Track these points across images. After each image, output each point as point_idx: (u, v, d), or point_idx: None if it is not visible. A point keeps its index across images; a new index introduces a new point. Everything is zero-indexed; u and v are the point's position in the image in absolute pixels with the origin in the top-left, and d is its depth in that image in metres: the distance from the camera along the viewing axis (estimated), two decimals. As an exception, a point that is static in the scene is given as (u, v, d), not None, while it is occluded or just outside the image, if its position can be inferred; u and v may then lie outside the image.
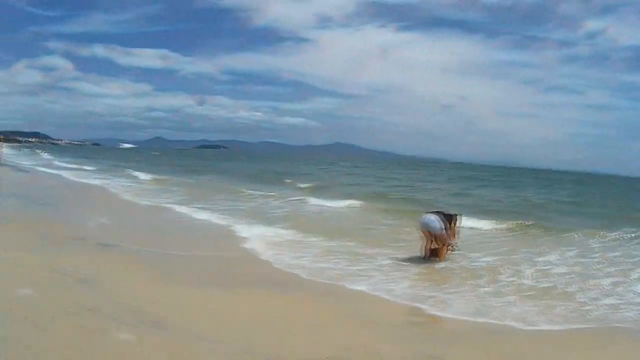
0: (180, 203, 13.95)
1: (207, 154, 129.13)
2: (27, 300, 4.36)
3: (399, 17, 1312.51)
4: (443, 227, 7.52)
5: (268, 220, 11.39)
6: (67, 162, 37.28)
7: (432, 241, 7.68)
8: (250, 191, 18.52)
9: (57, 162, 37.31)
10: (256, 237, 8.96)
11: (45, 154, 60.29)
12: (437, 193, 23.30)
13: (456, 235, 8.16)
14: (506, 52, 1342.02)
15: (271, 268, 6.88)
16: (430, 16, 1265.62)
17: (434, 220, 7.55)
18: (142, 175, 25.06)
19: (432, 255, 7.71)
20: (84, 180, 20.98)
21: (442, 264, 7.55)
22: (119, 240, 8.04)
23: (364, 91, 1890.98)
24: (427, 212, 7.98)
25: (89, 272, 5.69)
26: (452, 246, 7.95)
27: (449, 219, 7.81)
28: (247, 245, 8.30)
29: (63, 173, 24.86)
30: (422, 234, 7.78)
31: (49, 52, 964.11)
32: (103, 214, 11.00)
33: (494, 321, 4.98)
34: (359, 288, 5.99)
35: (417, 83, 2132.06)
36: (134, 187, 19.11)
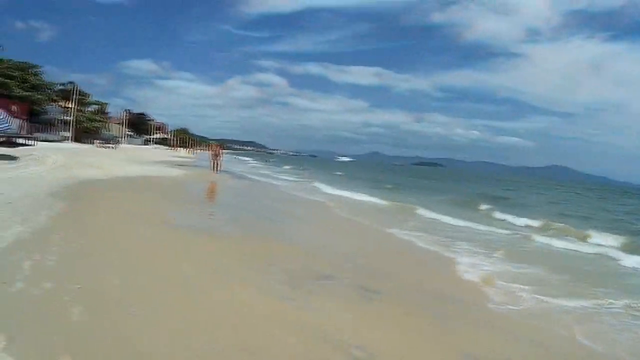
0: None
1: (426, 172, 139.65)
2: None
3: (604, 26, 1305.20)
4: None
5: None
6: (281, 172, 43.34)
7: None
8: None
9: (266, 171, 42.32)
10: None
11: (253, 160, 67.20)
12: None
13: None
14: None
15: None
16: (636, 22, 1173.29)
17: None
18: (365, 197, 22.72)
19: None
20: (310, 197, 20.93)
21: None
22: (377, 280, 7.13)
23: (578, 109, 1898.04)
24: None
25: (358, 337, 4.47)
26: None
27: None
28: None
29: (277, 182, 28.63)
30: None
31: (262, 70, 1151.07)
32: (341, 240, 11.14)
33: None
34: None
35: (634, 99, 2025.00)
36: (361, 208, 18.47)
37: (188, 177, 23.62)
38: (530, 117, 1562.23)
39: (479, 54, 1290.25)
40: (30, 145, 34.15)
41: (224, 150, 31.53)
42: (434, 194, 30.74)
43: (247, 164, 66.63)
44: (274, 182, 28.51)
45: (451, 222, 15.58)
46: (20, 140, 34.14)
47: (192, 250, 7.98)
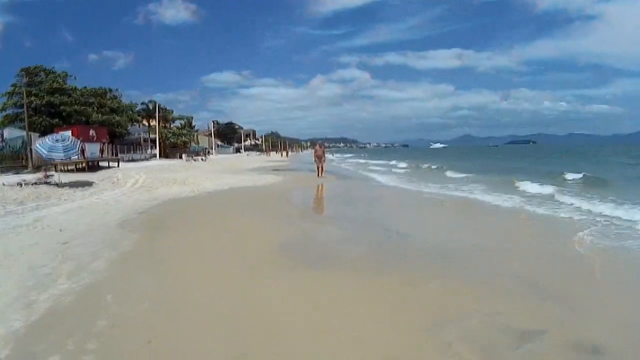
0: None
1: (519, 150, 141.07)
2: None
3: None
4: None
5: None
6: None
7: None
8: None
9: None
10: None
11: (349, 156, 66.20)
12: None
13: None
14: None
15: None
16: None
17: None
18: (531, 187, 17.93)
19: None
20: (457, 194, 16.83)
21: None
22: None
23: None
24: None
25: None
26: None
27: None
28: None
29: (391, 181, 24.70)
30: None
31: (343, 66, 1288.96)
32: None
33: None
34: None
35: None
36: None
37: (287, 184, 21.11)
38: (615, 81, 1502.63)
39: (555, 21, 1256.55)
40: (114, 167, 34.10)
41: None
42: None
43: (346, 161, 63.98)
44: (390, 181, 24.92)
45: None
46: (103, 164, 34.31)
47: (316, 299, 5.22)
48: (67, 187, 17.78)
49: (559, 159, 54.43)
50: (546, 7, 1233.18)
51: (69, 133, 19.92)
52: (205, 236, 9.16)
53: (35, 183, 18.32)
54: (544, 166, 38.13)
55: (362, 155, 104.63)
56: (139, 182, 20.76)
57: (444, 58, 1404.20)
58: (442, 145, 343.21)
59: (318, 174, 24.48)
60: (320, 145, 26.35)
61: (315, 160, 25.62)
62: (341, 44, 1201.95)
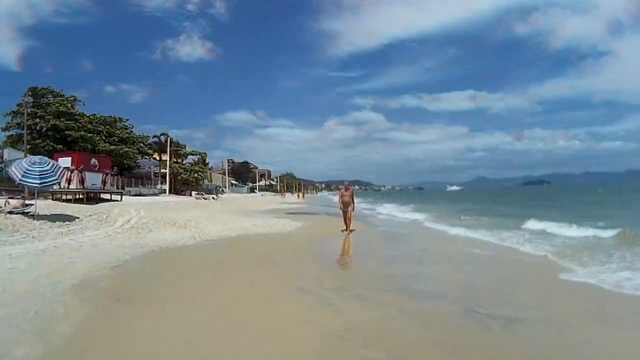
0: None
1: (534, 191, 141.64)
2: None
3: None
4: None
5: None
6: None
7: None
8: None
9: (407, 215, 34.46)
10: None
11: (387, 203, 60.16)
12: None
13: None
14: None
15: None
16: None
17: None
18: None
19: None
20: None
21: None
22: None
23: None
24: None
25: None
26: None
27: None
28: None
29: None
30: None
31: (358, 108, 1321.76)
32: None
33: None
34: None
35: None
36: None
37: (309, 232, 17.59)
38: (628, 117, 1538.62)
39: (569, 59, 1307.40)
40: (116, 200, 31.34)
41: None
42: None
43: (374, 207, 58.74)
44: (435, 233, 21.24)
45: None
46: (106, 196, 31.58)
47: None
48: (45, 221, 14.89)
49: (593, 205, 48.99)
50: (559, 46, 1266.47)
51: (50, 160, 16.71)
52: (193, 323, 5.78)
53: (11, 212, 15.46)
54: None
55: (384, 198, 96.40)
56: (132, 221, 17.74)
57: (458, 100, 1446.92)
58: (457, 188, 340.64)
59: (345, 227, 17.55)
60: (347, 187, 18.79)
61: (341, 208, 17.96)
62: (356, 86, 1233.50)
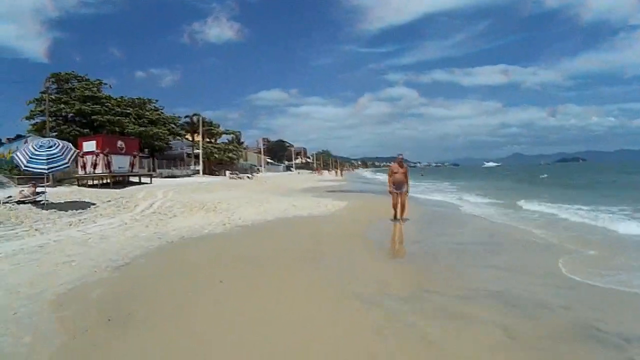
0: None
1: (570, 168, 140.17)
2: None
3: None
4: None
5: None
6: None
7: None
8: None
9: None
10: None
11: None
12: None
13: None
14: None
15: None
16: None
17: None
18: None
19: None
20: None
21: None
22: None
23: None
24: None
25: None
26: None
27: None
28: None
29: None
30: None
31: (391, 84, 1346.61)
32: None
33: None
34: None
35: None
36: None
37: (357, 214, 15.13)
38: None
39: (600, 32, 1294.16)
40: (145, 183, 29.83)
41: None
42: None
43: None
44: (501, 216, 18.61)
45: None
46: (134, 179, 30.14)
47: None
48: (54, 210, 13.18)
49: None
50: (590, 18, 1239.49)
51: (60, 142, 14.77)
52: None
53: (21, 201, 13.80)
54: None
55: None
56: (154, 205, 16.07)
57: (490, 74, 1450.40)
58: (494, 164, 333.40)
59: (395, 215, 13.36)
60: (401, 162, 13.83)
61: (391, 190, 13.52)
62: (389, 62, 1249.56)
